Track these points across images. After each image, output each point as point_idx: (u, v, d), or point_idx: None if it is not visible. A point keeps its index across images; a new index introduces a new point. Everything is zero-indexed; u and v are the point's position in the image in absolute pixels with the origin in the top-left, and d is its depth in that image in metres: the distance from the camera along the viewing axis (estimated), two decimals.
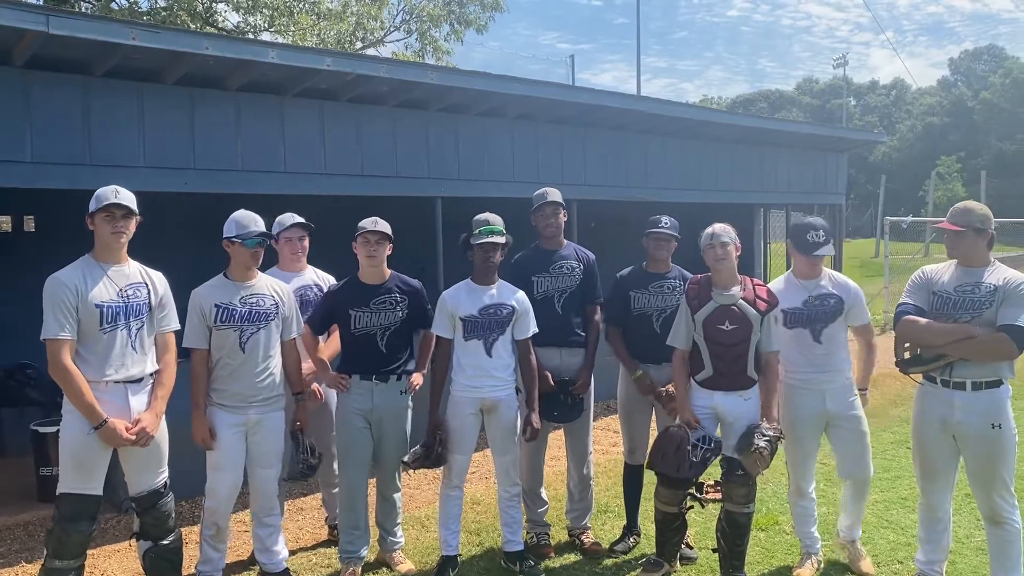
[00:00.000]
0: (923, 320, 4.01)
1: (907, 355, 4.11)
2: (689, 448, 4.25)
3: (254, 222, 4.27)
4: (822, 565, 4.64)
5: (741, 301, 4.32)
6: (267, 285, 4.39)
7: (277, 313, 4.36)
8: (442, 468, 4.64)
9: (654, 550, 4.86)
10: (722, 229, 4.37)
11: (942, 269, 4.14)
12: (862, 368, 4.58)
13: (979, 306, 3.91)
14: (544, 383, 4.74)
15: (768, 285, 4.63)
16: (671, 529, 4.51)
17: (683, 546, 4.68)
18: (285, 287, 4.50)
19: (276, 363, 4.38)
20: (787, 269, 4.70)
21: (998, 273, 3.97)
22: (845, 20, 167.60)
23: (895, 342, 4.17)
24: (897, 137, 56.22)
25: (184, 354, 4.29)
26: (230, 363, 4.25)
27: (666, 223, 4.79)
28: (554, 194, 4.93)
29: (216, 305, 4.22)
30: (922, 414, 4.16)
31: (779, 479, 4.79)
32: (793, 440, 4.50)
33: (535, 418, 4.58)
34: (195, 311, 4.23)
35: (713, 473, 4.47)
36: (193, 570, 4.43)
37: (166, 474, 4.00)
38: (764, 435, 4.18)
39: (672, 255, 4.89)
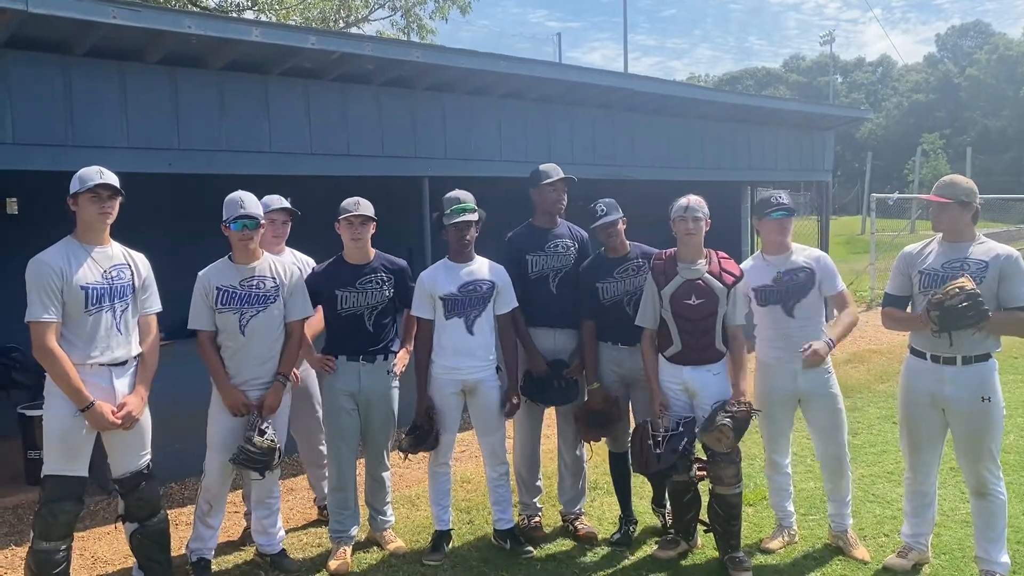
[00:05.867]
0: (896, 312, 4.19)
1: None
2: (651, 443, 4.26)
3: (239, 204, 4.19)
4: (795, 539, 4.67)
5: (707, 275, 4.32)
6: (269, 266, 4.34)
7: (278, 295, 4.31)
8: None
9: (654, 537, 4.87)
10: (696, 203, 4.34)
11: (925, 246, 4.16)
12: (838, 326, 4.37)
13: None
14: (538, 366, 4.70)
15: (740, 265, 4.61)
16: (684, 503, 4.50)
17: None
18: (290, 267, 4.45)
19: (280, 347, 4.36)
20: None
21: (984, 247, 3.98)
22: None
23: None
24: (883, 114, 56.27)
25: (175, 336, 4.27)
26: (231, 346, 4.24)
27: (603, 209, 4.61)
28: (560, 170, 4.83)
29: (218, 287, 4.20)
30: (910, 389, 4.18)
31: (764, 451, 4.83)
32: (766, 416, 4.53)
33: (515, 394, 4.58)
34: (199, 293, 4.22)
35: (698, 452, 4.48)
36: (184, 549, 4.44)
37: (149, 456, 3.99)
38: (727, 412, 4.20)
39: (640, 232, 4.82)
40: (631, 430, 4.60)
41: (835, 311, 4.52)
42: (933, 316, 3.87)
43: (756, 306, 4.48)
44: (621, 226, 4.67)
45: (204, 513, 4.37)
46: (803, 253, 4.45)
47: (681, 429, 4.27)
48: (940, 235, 4.12)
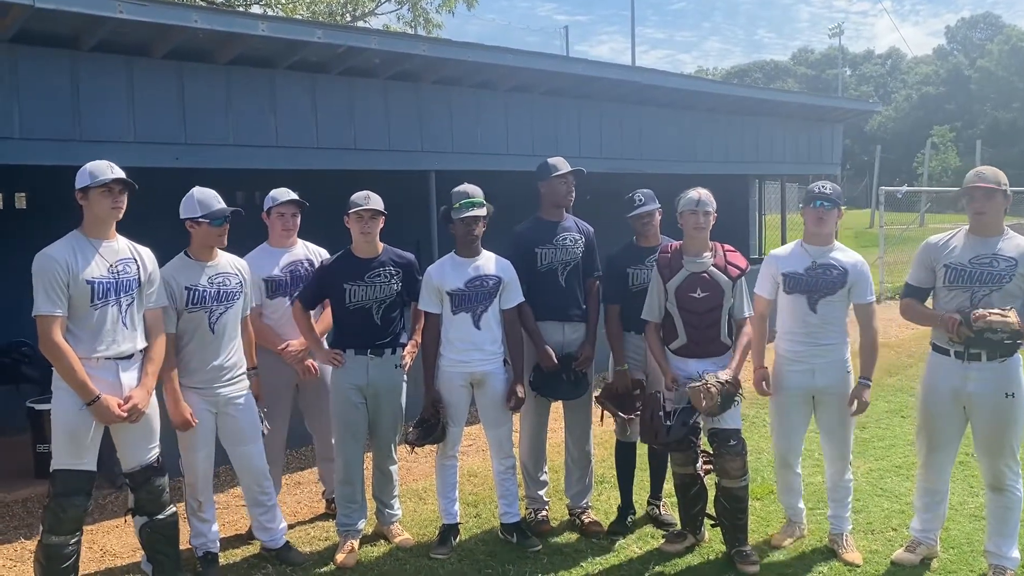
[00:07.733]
0: (918, 306, 4.14)
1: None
2: (662, 414, 4.27)
3: (216, 199, 4.20)
4: (805, 534, 4.64)
5: (712, 268, 4.31)
6: (229, 263, 4.36)
7: (242, 291, 4.35)
8: None
9: (651, 525, 4.87)
10: (707, 197, 4.33)
11: (950, 238, 4.08)
12: (864, 355, 4.35)
13: (998, 279, 3.86)
14: (547, 360, 4.68)
15: (777, 249, 4.57)
16: (690, 496, 4.48)
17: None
18: (244, 263, 4.47)
19: (239, 341, 4.39)
20: (781, 241, 4.67)
21: (1013, 242, 3.92)
22: None
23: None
24: (892, 107, 56.03)
25: None
26: (199, 344, 4.22)
27: (641, 199, 4.66)
28: (567, 163, 4.83)
29: (186, 288, 4.17)
30: (933, 385, 4.12)
31: (773, 449, 4.80)
32: (778, 411, 4.48)
33: (519, 387, 4.59)
34: (166, 295, 4.14)
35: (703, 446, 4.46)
36: (189, 543, 4.45)
37: (158, 449, 3.99)
38: (718, 379, 4.16)
39: (662, 224, 4.80)
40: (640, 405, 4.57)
41: (859, 321, 4.39)
42: (962, 331, 3.82)
43: (782, 293, 4.38)
44: (657, 217, 4.72)
45: (195, 509, 4.38)
46: (843, 253, 4.34)
47: (690, 404, 4.25)
48: (965, 227, 4.04)
